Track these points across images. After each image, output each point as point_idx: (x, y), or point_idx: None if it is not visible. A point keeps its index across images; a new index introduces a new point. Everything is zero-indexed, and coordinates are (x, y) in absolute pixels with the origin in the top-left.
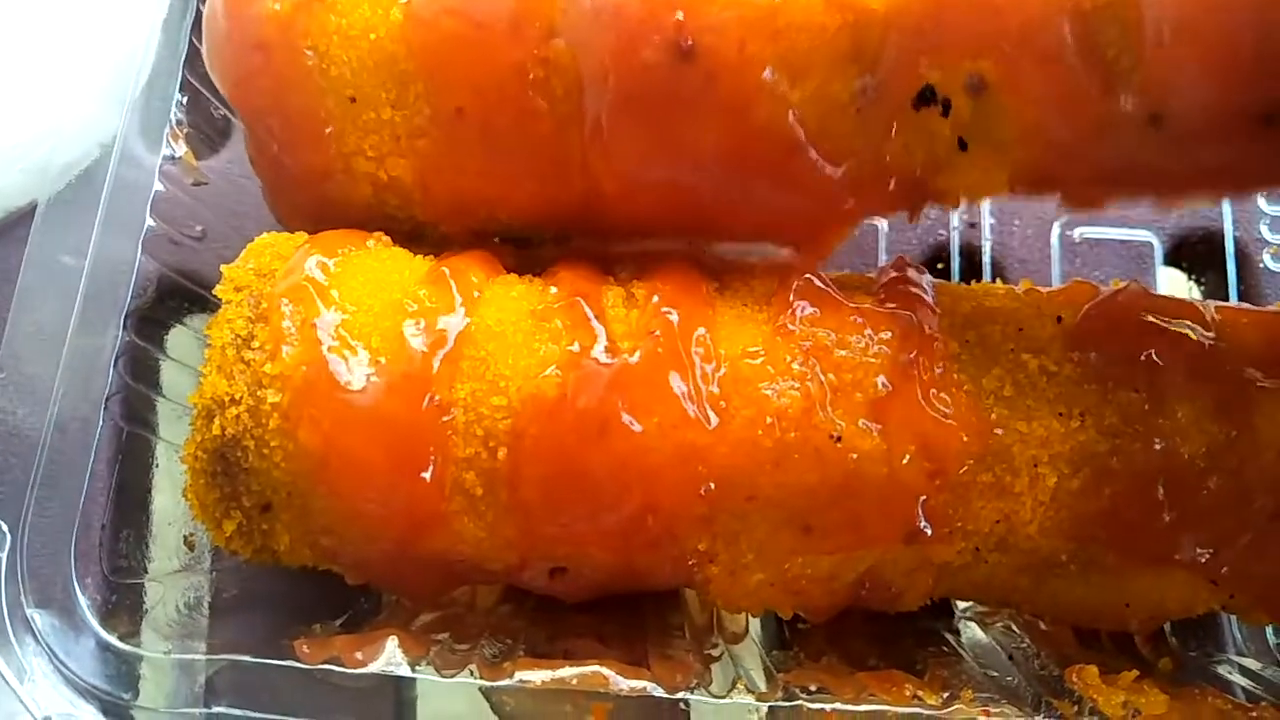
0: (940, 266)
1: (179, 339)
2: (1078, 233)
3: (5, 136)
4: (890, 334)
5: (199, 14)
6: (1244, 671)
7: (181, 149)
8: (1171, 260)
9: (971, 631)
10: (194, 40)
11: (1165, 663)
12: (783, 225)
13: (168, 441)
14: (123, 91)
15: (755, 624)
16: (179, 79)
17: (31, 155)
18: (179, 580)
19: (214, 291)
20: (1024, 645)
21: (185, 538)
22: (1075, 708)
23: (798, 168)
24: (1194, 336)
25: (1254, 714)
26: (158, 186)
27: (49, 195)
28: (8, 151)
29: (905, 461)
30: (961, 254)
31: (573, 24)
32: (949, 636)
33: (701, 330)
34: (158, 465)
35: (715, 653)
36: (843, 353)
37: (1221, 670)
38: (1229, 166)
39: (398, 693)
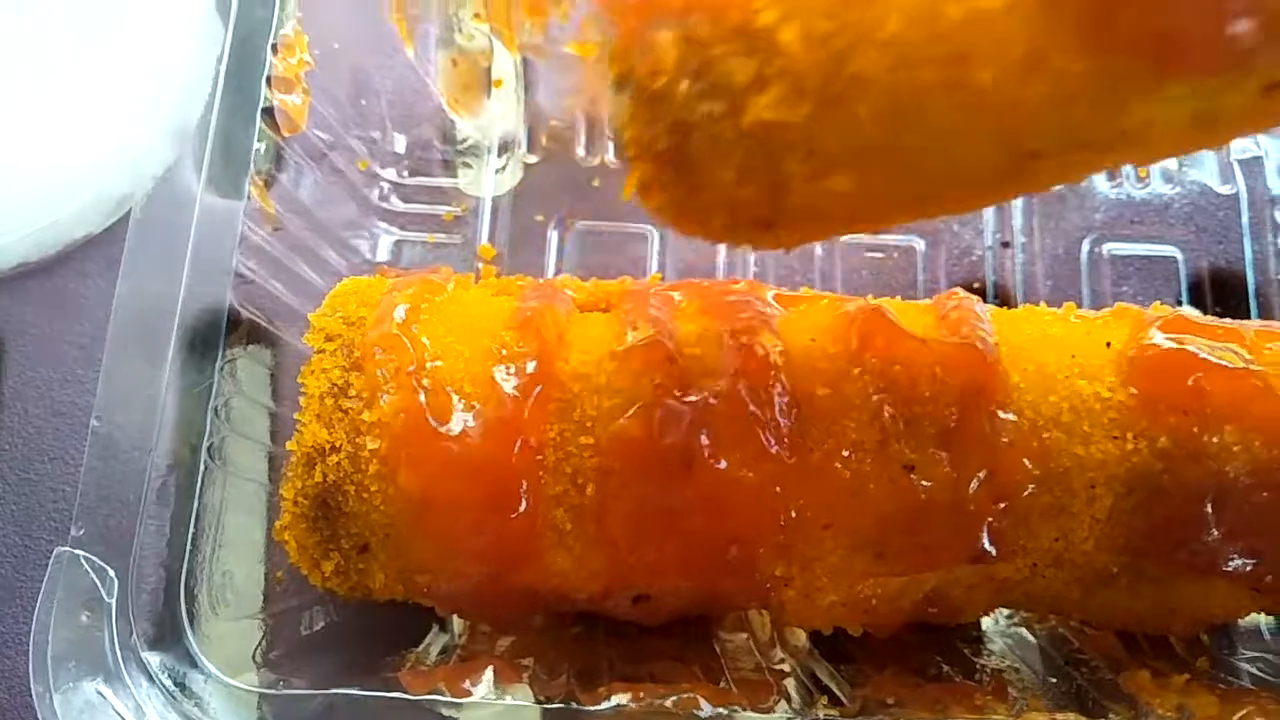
0: (976, 286)
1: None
2: (1105, 249)
3: (66, 170)
4: (956, 366)
5: (268, 62)
6: (1265, 665)
7: (258, 201)
8: (1195, 300)
9: (1020, 635)
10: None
11: (1202, 661)
12: None
13: (244, 477)
14: (178, 124)
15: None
16: (256, 127)
17: (91, 188)
18: (274, 616)
19: (304, 339)
20: (1074, 649)
21: (276, 575)
22: (1132, 712)
23: None
24: (1236, 361)
25: None
26: (243, 230)
27: (104, 227)
28: (68, 185)
29: (973, 489)
30: (994, 271)
31: None
32: (999, 641)
33: (777, 367)
34: (243, 502)
35: (785, 667)
36: (913, 385)
37: (1245, 665)
38: None
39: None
